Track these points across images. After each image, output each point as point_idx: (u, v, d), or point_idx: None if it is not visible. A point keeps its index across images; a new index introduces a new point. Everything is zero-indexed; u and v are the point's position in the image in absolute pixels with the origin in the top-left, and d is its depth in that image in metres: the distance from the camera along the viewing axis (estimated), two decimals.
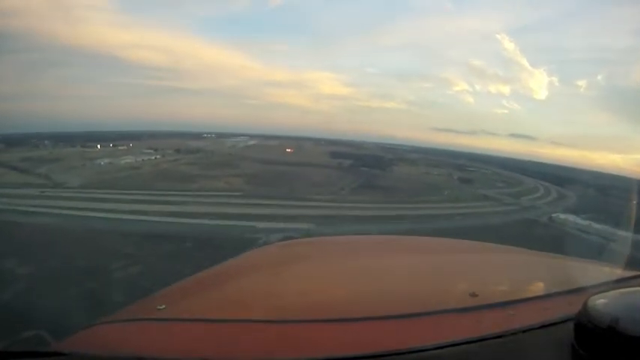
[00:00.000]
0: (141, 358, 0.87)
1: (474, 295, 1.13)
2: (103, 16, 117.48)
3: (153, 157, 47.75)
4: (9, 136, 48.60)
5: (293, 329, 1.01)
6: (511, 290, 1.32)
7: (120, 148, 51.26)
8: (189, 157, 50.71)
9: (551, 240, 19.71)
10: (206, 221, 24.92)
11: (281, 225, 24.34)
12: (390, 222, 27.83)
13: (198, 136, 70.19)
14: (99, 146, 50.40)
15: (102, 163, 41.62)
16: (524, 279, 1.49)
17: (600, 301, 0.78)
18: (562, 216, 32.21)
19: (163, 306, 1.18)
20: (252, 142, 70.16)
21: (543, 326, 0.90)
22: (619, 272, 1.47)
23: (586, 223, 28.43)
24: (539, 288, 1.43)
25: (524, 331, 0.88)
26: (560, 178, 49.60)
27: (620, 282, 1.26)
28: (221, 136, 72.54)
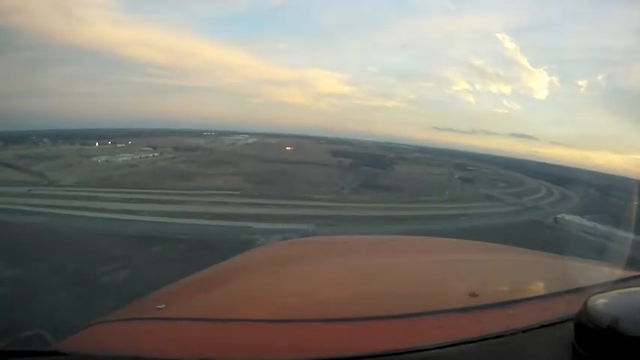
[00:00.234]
0: (141, 358, 0.87)
1: (474, 295, 1.12)
2: (103, 14, 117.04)
3: (151, 155, 47.60)
4: (8, 133, 48.28)
5: (293, 329, 1.01)
6: (511, 290, 1.31)
7: (118, 145, 51.13)
8: (188, 154, 50.39)
9: (558, 242, 19.46)
10: (202, 221, 24.41)
11: (280, 226, 23.89)
12: (392, 223, 27.45)
13: (197, 134, 69.86)
14: (97, 144, 50.24)
15: (99, 160, 41.36)
16: (525, 279, 1.48)
17: (600, 301, 0.78)
18: (567, 217, 32.03)
19: (163, 305, 1.17)
20: (252, 141, 69.65)
21: (543, 326, 0.90)
22: (619, 272, 1.45)
23: (591, 224, 28.32)
24: (539, 288, 1.43)
25: (524, 331, 0.89)
26: (560, 178, 49.51)
27: (620, 282, 1.25)
28: (221, 134, 72.01)
